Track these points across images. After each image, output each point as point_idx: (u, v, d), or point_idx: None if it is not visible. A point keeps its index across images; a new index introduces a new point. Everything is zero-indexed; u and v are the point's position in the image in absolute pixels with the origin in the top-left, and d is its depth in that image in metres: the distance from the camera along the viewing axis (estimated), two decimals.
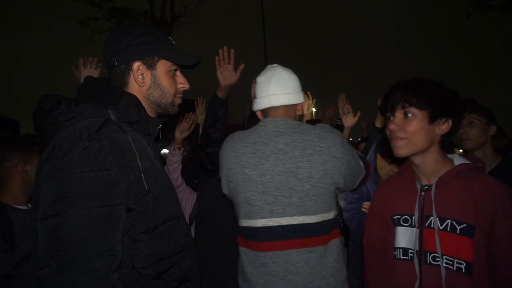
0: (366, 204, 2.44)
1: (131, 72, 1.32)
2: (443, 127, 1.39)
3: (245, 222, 1.74)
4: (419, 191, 1.46)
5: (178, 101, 1.42)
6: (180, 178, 2.96)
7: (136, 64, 1.31)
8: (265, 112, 1.82)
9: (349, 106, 3.57)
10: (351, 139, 4.68)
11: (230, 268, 2.35)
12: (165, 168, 2.69)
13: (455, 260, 1.32)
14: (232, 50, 2.24)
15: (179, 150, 2.88)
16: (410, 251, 1.45)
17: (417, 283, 1.40)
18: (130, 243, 1.19)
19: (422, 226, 1.42)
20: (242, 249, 1.77)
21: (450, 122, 1.39)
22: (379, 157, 2.40)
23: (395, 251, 1.50)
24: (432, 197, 1.41)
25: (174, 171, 2.90)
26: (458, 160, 1.45)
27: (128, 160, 1.18)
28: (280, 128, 1.74)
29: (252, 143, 1.73)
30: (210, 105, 2.33)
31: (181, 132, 2.96)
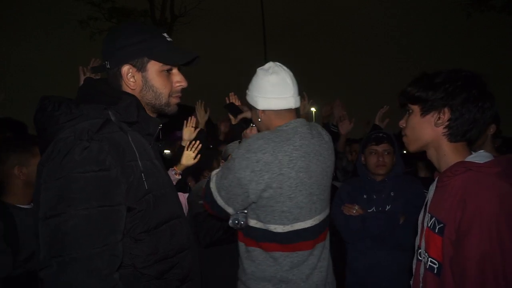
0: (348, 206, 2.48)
1: (122, 76, 1.30)
2: (440, 119, 1.29)
3: (291, 227, 1.67)
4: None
5: (174, 101, 1.37)
6: None
7: (125, 68, 1.29)
8: (279, 113, 1.73)
9: (345, 113, 3.47)
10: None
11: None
12: None
13: (429, 258, 1.29)
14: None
15: (179, 176, 2.86)
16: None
17: (412, 278, 1.41)
18: (131, 243, 1.19)
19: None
20: (280, 254, 1.68)
21: (446, 111, 1.27)
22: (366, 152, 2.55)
23: None
24: (431, 193, 1.39)
25: None
26: (473, 157, 1.29)
27: (128, 160, 1.18)
28: (310, 129, 1.74)
29: (300, 146, 1.67)
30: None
31: (189, 135, 3.14)
